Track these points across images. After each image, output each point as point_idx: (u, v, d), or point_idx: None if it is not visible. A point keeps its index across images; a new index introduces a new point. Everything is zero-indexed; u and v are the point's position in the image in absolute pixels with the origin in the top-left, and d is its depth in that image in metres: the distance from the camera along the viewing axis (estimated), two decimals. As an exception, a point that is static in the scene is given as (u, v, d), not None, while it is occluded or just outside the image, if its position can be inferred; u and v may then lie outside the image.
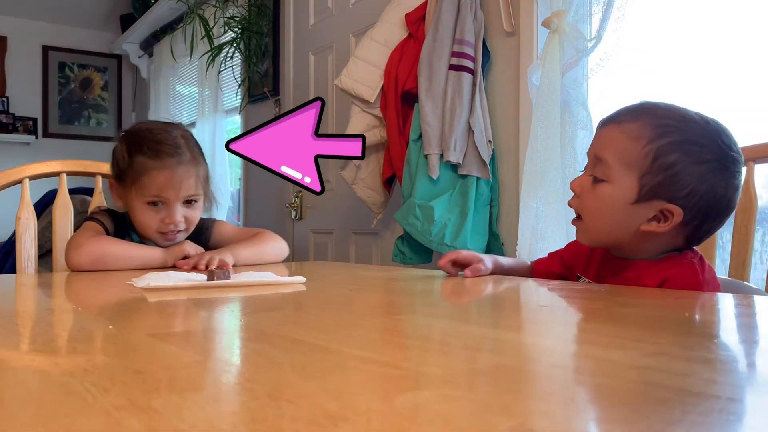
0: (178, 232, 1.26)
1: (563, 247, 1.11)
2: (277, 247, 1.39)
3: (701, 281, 0.86)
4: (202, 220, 1.34)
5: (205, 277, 0.90)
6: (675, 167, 0.83)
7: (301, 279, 0.92)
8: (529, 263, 1.14)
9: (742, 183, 0.88)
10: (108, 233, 1.26)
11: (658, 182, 0.84)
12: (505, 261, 1.10)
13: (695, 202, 0.83)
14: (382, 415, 0.29)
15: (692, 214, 0.84)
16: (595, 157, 0.90)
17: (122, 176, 1.26)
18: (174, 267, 1.21)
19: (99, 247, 1.19)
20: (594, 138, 0.93)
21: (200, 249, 1.27)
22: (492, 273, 1.04)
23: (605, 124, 0.91)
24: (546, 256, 1.13)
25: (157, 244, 1.27)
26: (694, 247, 0.92)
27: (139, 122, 1.35)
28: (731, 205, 0.87)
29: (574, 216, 0.94)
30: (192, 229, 1.28)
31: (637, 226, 0.86)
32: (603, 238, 0.92)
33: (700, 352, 0.47)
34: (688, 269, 0.87)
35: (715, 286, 0.89)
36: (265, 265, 1.27)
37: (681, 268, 0.88)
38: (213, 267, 1.16)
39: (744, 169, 0.88)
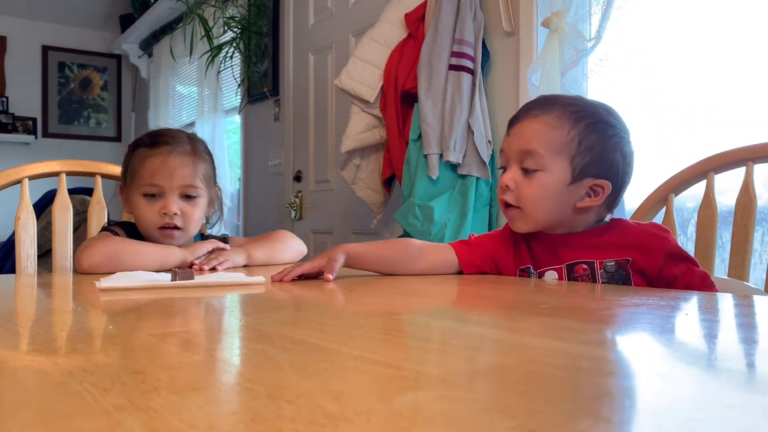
0: (177, 229, 1.21)
1: (478, 240, 1.10)
2: (293, 246, 1.37)
3: (654, 224, 1.00)
4: (215, 237, 1.32)
5: (170, 277, 0.89)
6: (597, 146, 0.94)
7: (261, 279, 0.92)
8: (415, 246, 1.08)
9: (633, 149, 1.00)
10: None
11: (587, 162, 0.94)
12: (361, 248, 1.05)
13: (615, 173, 0.95)
14: (382, 415, 0.29)
15: (616, 184, 0.96)
16: (521, 151, 0.96)
17: (125, 176, 1.26)
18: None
19: (113, 246, 1.15)
20: (511, 134, 0.99)
21: (220, 244, 1.24)
22: (350, 265, 1.01)
23: (518, 120, 0.99)
24: (462, 243, 1.09)
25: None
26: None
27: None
28: (632, 171, 0.99)
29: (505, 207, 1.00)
30: (192, 229, 1.24)
31: (573, 204, 0.96)
32: (544, 222, 0.99)
33: (699, 352, 0.47)
34: (642, 224, 1.00)
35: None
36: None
37: (634, 224, 1.00)
38: (222, 268, 1.16)
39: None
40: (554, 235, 1.00)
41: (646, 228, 0.99)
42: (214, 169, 1.31)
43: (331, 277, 0.94)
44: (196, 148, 1.25)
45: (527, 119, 0.97)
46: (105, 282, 0.85)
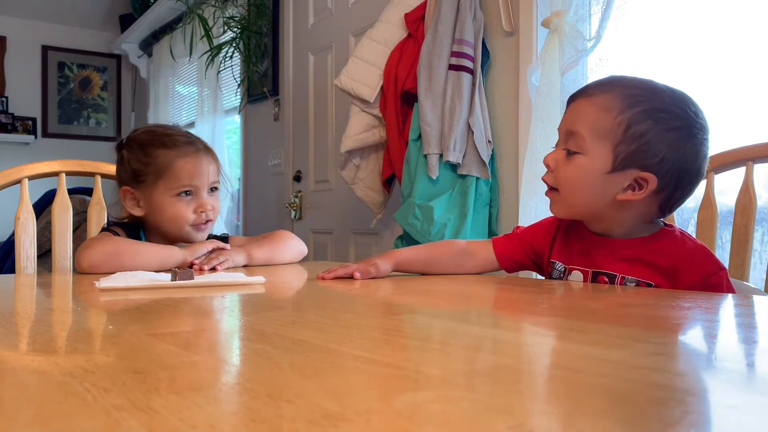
0: (208, 221, 1.27)
1: (520, 232, 1.08)
2: (294, 247, 1.38)
3: (701, 247, 0.90)
4: (216, 236, 1.34)
5: (170, 276, 0.90)
6: (647, 135, 0.85)
7: (260, 279, 0.92)
8: (459, 245, 1.08)
9: (709, 151, 0.90)
10: None
11: (632, 151, 0.85)
12: (408, 253, 1.06)
13: (668, 169, 0.85)
14: (382, 415, 0.29)
15: (665, 181, 0.86)
16: (567, 131, 0.91)
17: (140, 177, 1.25)
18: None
19: (113, 246, 1.16)
20: (565, 113, 0.94)
21: (220, 244, 1.26)
22: (400, 270, 1.03)
23: (576, 98, 0.92)
24: (503, 238, 1.08)
25: (189, 240, 1.27)
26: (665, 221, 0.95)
27: (135, 130, 1.35)
28: (701, 172, 0.89)
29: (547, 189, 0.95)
30: (216, 219, 1.29)
31: (612, 196, 0.88)
32: (579, 209, 0.93)
33: (699, 352, 0.47)
34: (689, 242, 0.90)
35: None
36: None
37: (680, 242, 0.90)
38: (222, 268, 1.17)
39: (708, 138, 0.90)
40: (595, 235, 0.95)
41: (693, 250, 0.89)
42: None
43: (358, 275, 0.96)
44: (204, 142, 1.31)
45: (582, 97, 0.91)
46: (105, 282, 0.85)
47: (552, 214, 0.99)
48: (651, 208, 0.90)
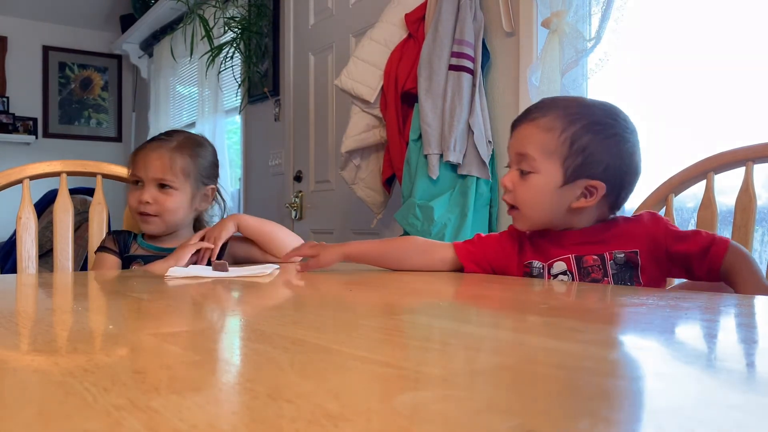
0: (151, 215, 1.31)
1: (484, 238, 1.12)
2: (289, 234, 1.40)
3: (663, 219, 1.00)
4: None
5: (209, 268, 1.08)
6: (589, 148, 0.94)
7: (275, 267, 1.10)
8: (419, 242, 1.14)
9: (641, 150, 0.99)
10: (117, 253, 1.34)
11: (579, 164, 0.95)
12: (367, 247, 1.14)
13: (611, 174, 0.95)
14: (382, 415, 0.29)
15: (612, 184, 0.96)
16: (517, 153, 1.00)
17: None
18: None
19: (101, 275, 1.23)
20: (512, 137, 1.03)
21: (202, 244, 1.30)
22: (353, 261, 1.13)
23: (520, 122, 1.01)
24: (465, 242, 1.12)
25: (144, 230, 1.36)
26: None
27: None
28: (639, 170, 0.99)
29: (508, 208, 1.04)
30: (167, 217, 1.32)
31: (568, 205, 0.97)
32: (540, 222, 1.01)
33: (699, 352, 0.47)
34: (647, 216, 1.01)
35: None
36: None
37: (633, 218, 1.01)
38: (219, 244, 1.30)
39: (638, 139, 0.99)
40: (558, 230, 1.02)
41: (641, 217, 1.00)
42: (205, 165, 1.37)
43: (299, 269, 1.11)
44: (182, 144, 1.34)
45: (525, 122, 1.00)
46: (172, 272, 1.03)
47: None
48: (603, 209, 1.00)
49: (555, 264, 1.00)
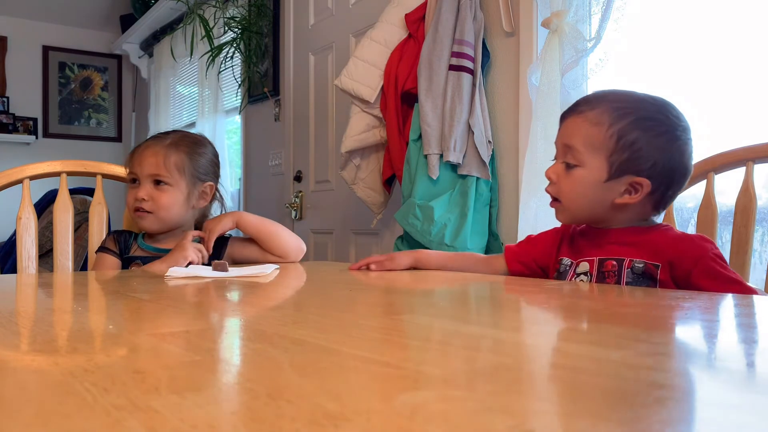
0: (146, 212, 1.31)
1: (524, 243, 1.16)
2: (291, 235, 1.40)
3: (689, 235, 0.97)
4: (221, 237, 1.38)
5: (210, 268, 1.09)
6: (637, 144, 0.92)
7: (275, 267, 1.13)
8: (480, 256, 1.22)
9: (692, 149, 0.97)
10: (117, 254, 1.34)
11: (625, 159, 0.93)
12: (436, 255, 1.20)
13: (658, 172, 0.93)
14: (382, 415, 0.29)
15: (658, 182, 0.94)
16: (564, 145, 0.99)
17: None
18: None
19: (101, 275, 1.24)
20: (559, 129, 1.02)
21: (197, 245, 1.30)
22: (417, 267, 1.16)
23: (568, 115, 1.00)
24: (511, 246, 1.16)
25: (139, 227, 1.37)
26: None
27: None
28: (689, 170, 0.97)
29: (551, 200, 1.03)
30: (163, 213, 1.32)
31: (611, 201, 0.96)
32: (582, 216, 1.01)
33: (699, 352, 0.47)
34: (677, 232, 0.98)
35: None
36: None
37: (670, 232, 0.97)
38: (213, 237, 1.31)
39: (691, 137, 0.97)
40: (598, 228, 1.01)
41: (687, 236, 0.96)
42: (202, 163, 1.37)
43: (374, 267, 1.13)
44: (177, 141, 1.35)
45: (573, 114, 0.99)
46: (171, 272, 1.05)
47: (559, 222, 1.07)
48: (646, 207, 0.97)
49: (581, 264, 0.99)
